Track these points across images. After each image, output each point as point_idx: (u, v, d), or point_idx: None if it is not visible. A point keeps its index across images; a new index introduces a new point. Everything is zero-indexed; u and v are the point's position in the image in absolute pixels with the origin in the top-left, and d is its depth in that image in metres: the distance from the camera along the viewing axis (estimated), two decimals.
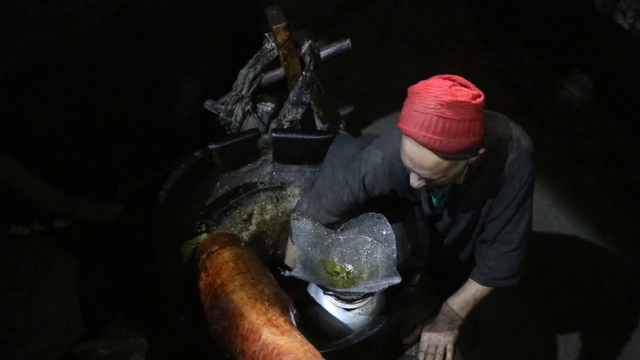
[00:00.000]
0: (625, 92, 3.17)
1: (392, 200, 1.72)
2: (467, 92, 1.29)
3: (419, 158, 1.34)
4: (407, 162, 1.39)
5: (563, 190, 3.24)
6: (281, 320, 1.28)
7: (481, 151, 1.37)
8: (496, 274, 1.69)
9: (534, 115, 3.49)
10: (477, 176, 1.53)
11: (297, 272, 1.44)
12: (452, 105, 1.26)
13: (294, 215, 1.61)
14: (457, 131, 1.28)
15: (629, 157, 3.22)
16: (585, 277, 2.96)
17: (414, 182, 1.44)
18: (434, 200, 1.67)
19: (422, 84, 1.34)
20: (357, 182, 1.66)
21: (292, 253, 1.83)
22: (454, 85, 1.31)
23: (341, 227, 1.65)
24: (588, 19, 3.13)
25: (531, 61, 3.69)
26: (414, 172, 1.41)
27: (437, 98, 1.26)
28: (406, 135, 1.34)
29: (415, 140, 1.31)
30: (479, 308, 1.81)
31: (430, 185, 1.48)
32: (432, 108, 1.26)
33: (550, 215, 3.17)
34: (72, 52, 1.84)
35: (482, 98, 1.30)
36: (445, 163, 1.34)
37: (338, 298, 1.55)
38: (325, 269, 1.59)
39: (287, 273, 1.47)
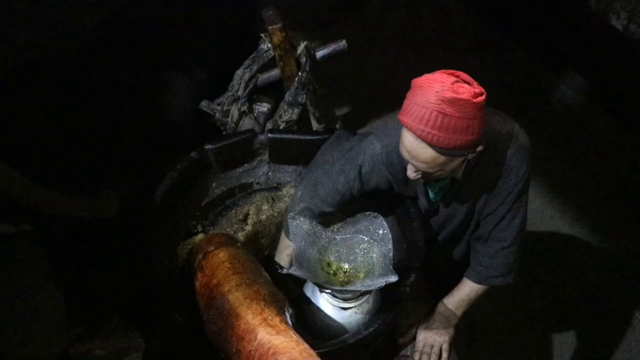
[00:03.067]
0: (620, 93, 3.19)
1: (388, 194, 1.72)
2: (469, 90, 1.29)
3: (416, 151, 1.35)
4: (405, 154, 1.40)
5: (558, 190, 3.26)
6: (277, 320, 1.28)
7: (479, 148, 1.38)
8: (490, 272, 1.70)
9: (528, 116, 3.50)
10: (474, 170, 1.54)
11: (295, 270, 1.45)
12: (453, 102, 1.26)
13: (290, 214, 1.61)
14: (455, 128, 1.29)
15: (623, 156, 3.24)
16: (580, 276, 2.97)
17: (411, 173, 1.45)
18: (431, 194, 1.67)
19: (425, 77, 1.34)
20: (354, 171, 1.65)
21: (284, 248, 1.83)
22: (457, 81, 1.31)
23: (338, 226, 1.65)
24: (582, 20, 3.15)
25: (526, 62, 3.70)
26: (411, 163, 1.42)
27: (439, 94, 1.27)
28: (405, 127, 1.34)
29: (414, 133, 1.32)
30: (474, 307, 1.81)
31: (427, 178, 1.48)
32: (432, 103, 1.27)
33: (545, 215, 3.18)
34: (66, 54, 1.84)
35: (483, 97, 1.31)
36: (442, 158, 1.35)
37: (334, 297, 1.56)
38: (322, 267, 1.59)
39: (285, 271, 1.47)
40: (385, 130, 1.63)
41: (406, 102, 1.35)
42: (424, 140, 1.31)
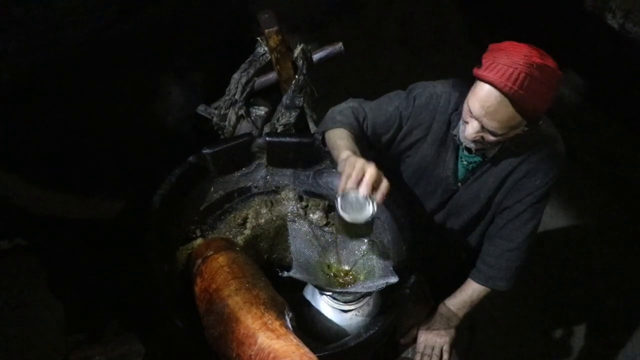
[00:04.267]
0: (616, 91, 3.19)
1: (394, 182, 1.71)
2: (552, 61, 1.34)
3: (495, 107, 1.35)
4: (478, 110, 1.39)
5: (558, 190, 3.26)
6: (277, 324, 1.28)
7: (540, 122, 1.42)
8: (494, 272, 1.70)
9: None
10: (506, 158, 1.55)
11: (295, 273, 1.44)
12: (541, 67, 1.30)
13: (290, 217, 1.61)
14: (538, 92, 1.31)
15: (620, 155, 3.25)
16: (581, 276, 2.98)
17: (471, 132, 1.44)
18: (459, 163, 1.66)
19: (505, 43, 1.37)
20: (409, 99, 1.64)
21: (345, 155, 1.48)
22: (540, 52, 1.35)
23: (337, 228, 1.65)
24: (578, 19, 3.15)
25: None
26: (478, 121, 1.41)
27: (527, 57, 1.30)
28: (489, 82, 1.34)
29: (500, 89, 1.32)
30: (475, 309, 1.81)
31: (483, 144, 1.48)
32: (521, 65, 1.29)
33: (545, 216, 3.17)
34: (62, 59, 1.84)
35: (561, 73, 1.35)
36: (517, 119, 1.36)
37: (335, 299, 1.55)
38: (322, 270, 1.59)
39: (285, 273, 1.46)
40: (450, 80, 1.63)
41: (488, 61, 1.36)
42: (510, 96, 1.32)
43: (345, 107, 1.68)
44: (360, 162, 1.29)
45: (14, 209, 1.78)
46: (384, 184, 1.29)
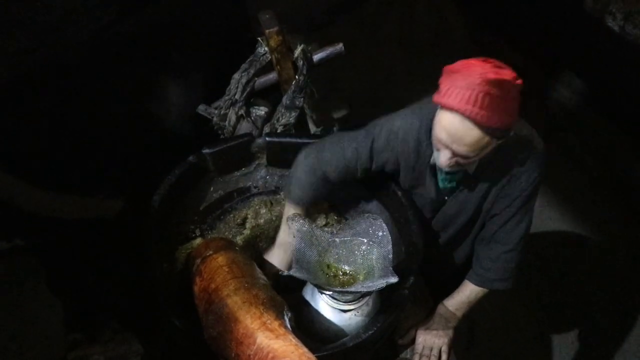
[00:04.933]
0: (616, 93, 3.20)
1: (388, 182, 1.72)
2: (509, 72, 1.33)
3: (462, 133, 1.35)
4: (445, 138, 1.39)
5: (556, 191, 3.27)
6: (276, 324, 1.28)
7: (511, 133, 1.41)
8: (491, 274, 1.70)
9: (525, 117, 3.51)
10: (487, 168, 1.55)
11: (295, 272, 1.44)
12: (498, 82, 1.29)
13: (290, 215, 1.61)
14: (500, 107, 1.30)
15: (620, 157, 3.25)
16: (579, 277, 2.98)
17: (444, 160, 1.44)
18: (440, 183, 1.66)
19: (459, 63, 1.36)
20: (367, 142, 1.64)
21: (283, 236, 1.76)
22: (495, 65, 1.34)
23: (337, 228, 1.65)
24: (578, 21, 3.16)
25: (522, 64, 3.72)
26: (448, 149, 1.41)
27: (483, 75, 1.29)
28: (451, 109, 1.34)
29: (462, 114, 1.31)
30: (473, 309, 1.82)
31: (457, 167, 1.48)
32: (478, 84, 1.28)
33: (543, 216, 3.19)
34: (63, 59, 1.84)
35: (520, 80, 1.34)
36: (486, 139, 1.35)
37: (334, 299, 1.56)
38: (321, 270, 1.59)
39: (285, 273, 1.47)
40: (409, 110, 1.62)
41: (445, 87, 1.35)
42: (473, 119, 1.31)
43: (303, 173, 1.68)
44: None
45: (12, 209, 1.78)
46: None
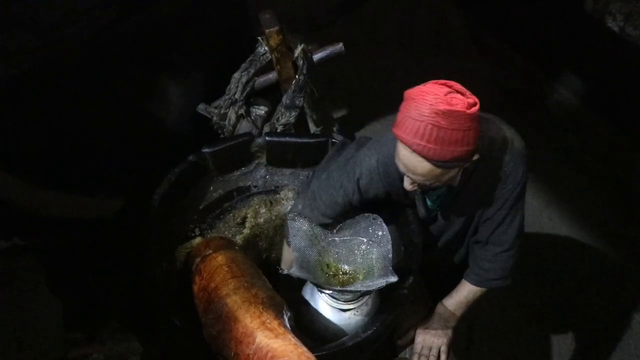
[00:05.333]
0: (616, 94, 3.20)
1: (387, 202, 1.73)
2: (462, 101, 1.28)
3: (413, 165, 1.35)
4: (401, 167, 1.40)
5: (556, 192, 3.26)
6: (275, 323, 1.28)
7: (475, 157, 1.37)
8: (489, 275, 1.70)
9: (525, 118, 3.51)
10: (471, 178, 1.54)
11: (295, 271, 1.45)
12: (447, 114, 1.25)
13: (290, 215, 1.61)
14: (450, 140, 1.28)
15: (619, 158, 3.25)
16: (578, 277, 2.98)
17: (407, 185, 1.46)
18: (429, 203, 1.68)
19: (418, 89, 1.33)
20: (352, 184, 1.66)
21: (288, 255, 1.82)
22: (450, 92, 1.30)
23: (337, 228, 1.65)
24: (579, 22, 3.16)
25: (523, 64, 3.72)
26: (407, 176, 1.42)
27: (433, 106, 1.26)
28: (400, 141, 1.34)
29: (409, 147, 1.31)
30: (472, 309, 1.82)
31: (424, 189, 1.49)
32: (427, 116, 1.26)
33: (543, 217, 3.19)
34: (63, 59, 1.84)
35: (477, 107, 1.30)
36: (438, 170, 1.35)
37: (334, 298, 1.56)
38: (321, 269, 1.59)
39: (285, 271, 1.47)
40: (381, 141, 1.63)
41: (400, 115, 1.34)
42: (420, 154, 1.31)
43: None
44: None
45: (12, 209, 1.78)
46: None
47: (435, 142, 1.27)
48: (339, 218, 1.73)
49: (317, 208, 1.73)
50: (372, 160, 1.62)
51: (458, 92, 1.32)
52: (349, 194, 1.67)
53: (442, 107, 1.25)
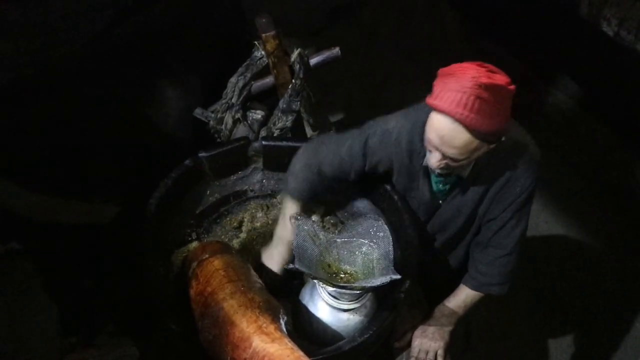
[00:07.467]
0: (611, 98, 3.22)
1: (389, 186, 1.72)
2: (502, 77, 1.33)
3: (451, 135, 1.35)
4: (435, 140, 1.40)
5: (552, 195, 3.28)
6: (272, 327, 1.28)
7: (503, 138, 1.41)
8: (487, 279, 1.71)
9: (522, 122, 3.52)
10: (482, 172, 1.55)
11: (298, 265, 1.44)
12: (490, 87, 1.29)
13: (293, 214, 1.61)
14: (491, 112, 1.31)
15: (615, 161, 3.26)
16: (575, 280, 2.99)
17: (434, 162, 1.45)
18: (434, 186, 1.67)
19: (456, 66, 1.37)
20: (361, 139, 1.64)
21: (281, 231, 1.74)
22: (489, 70, 1.34)
23: (339, 228, 1.65)
24: (574, 27, 3.18)
25: (519, 69, 3.74)
26: (438, 151, 1.42)
27: (475, 79, 1.29)
28: (441, 111, 1.34)
29: (452, 117, 1.32)
30: (469, 313, 1.82)
31: (449, 169, 1.48)
32: (470, 87, 1.29)
33: (540, 220, 3.20)
34: (61, 63, 1.84)
35: (514, 86, 1.34)
36: (475, 143, 1.36)
37: (334, 297, 1.55)
38: (322, 269, 1.59)
39: (290, 265, 1.46)
40: (403, 112, 1.63)
41: (437, 89, 1.36)
42: (463, 122, 1.31)
43: (300, 168, 1.69)
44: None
45: (8, 213, 1.78)
46: None
47: (478, 112, 1.30)
48: (336, 176, 1.69)
49: (319, 153, 1.68)
50: (390, 124, 1.62)
51: (494, 71, 1.36)
52: (353, 148, 1.65)
53: (485, 80, 1.29)
